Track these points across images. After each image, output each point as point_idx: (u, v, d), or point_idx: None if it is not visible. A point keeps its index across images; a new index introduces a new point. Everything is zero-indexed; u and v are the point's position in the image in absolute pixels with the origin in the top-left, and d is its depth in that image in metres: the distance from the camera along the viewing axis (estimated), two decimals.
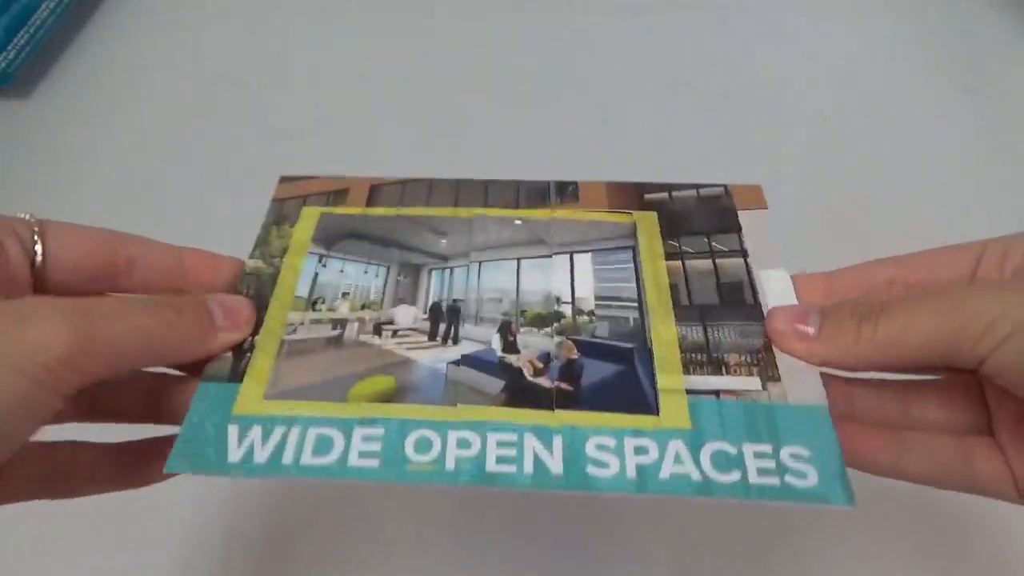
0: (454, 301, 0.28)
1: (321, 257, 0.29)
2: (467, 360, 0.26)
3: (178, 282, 0.26)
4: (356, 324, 0.27)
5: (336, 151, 0.55)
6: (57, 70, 0.58)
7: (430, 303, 0.28)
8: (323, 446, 0.23)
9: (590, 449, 0.23)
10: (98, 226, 0.26)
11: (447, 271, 0.29)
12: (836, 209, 0.47)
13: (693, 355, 0.26)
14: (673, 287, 0.28)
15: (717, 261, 0.29)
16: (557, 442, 0.23)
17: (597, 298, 0.28)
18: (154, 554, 0.38)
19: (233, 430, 0.23)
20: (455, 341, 0.27)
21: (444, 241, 0.30)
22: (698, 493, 0.22)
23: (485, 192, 0.32)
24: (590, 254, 0.30)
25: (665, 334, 0.26)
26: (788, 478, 0.22)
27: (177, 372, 0.26)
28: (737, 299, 0.28)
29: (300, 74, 0.61)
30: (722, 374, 0.25)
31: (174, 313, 0.23)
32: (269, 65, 0.60)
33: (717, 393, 0.24)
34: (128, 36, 0.61)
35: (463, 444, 0.23)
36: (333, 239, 0.30)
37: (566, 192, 0.32)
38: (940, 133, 0.51)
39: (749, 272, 0.28)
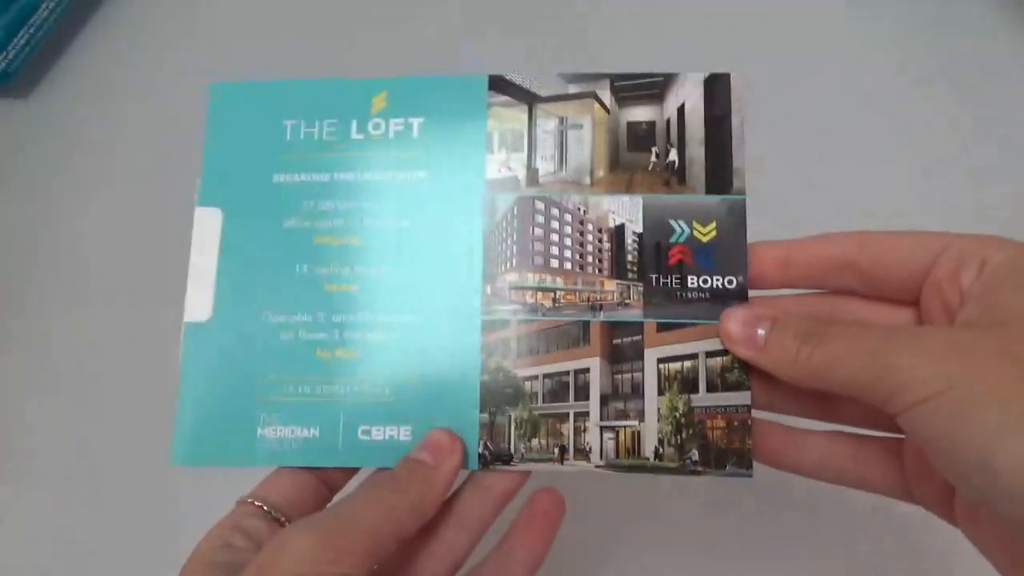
0: None
1: None
2: None
3: None
4: None
5: None
6: (57, 70, 0.56)
7: None
8: None
9: None
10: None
11: None
12: (825, 207, 0.45)
13: None
14: None
15: None
16: None
17: None
18: None
19: None
20: None
21: None
22: None
23: None
24: None
25: None
26: None
27: None
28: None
29: (303, 73, 0.54)
30: None
31: (398, 496, 0.24)
32: (270, 64, 0.56)
33: None
34: (128, 36, 0.59)
35: None
36: None
37: None
38: (938, 132, 0.49)
39: None
